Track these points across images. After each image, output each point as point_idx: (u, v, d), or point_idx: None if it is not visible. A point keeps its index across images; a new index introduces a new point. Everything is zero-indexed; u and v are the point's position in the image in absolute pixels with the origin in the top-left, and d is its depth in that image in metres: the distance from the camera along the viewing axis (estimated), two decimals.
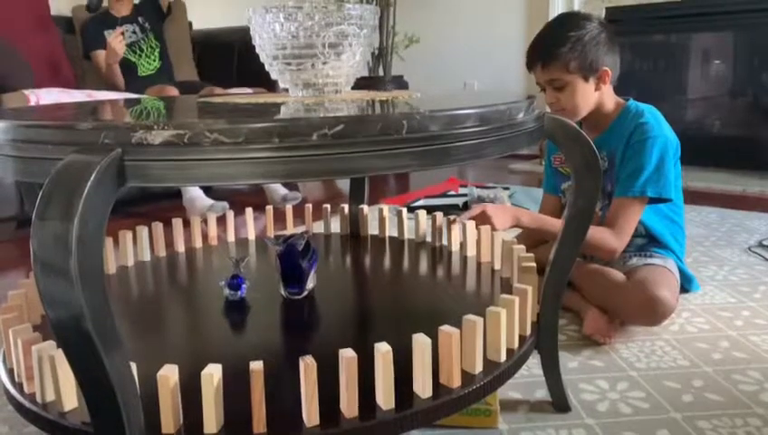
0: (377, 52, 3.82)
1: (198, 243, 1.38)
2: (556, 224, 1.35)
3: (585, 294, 1.33)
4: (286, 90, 1.05)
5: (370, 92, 1.17)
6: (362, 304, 1.11)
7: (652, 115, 1.40)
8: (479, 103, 0.76)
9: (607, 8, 3.34)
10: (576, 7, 3.43)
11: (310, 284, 1.06)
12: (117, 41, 2.64)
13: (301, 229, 1.47)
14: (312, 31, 0.98)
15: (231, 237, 1.43)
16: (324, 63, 1.00)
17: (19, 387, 0.80)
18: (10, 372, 0.84)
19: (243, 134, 0.61)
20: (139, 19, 2.94)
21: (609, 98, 1.42)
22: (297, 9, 0.98)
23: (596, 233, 1.32)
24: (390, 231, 1.45)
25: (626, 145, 1.38)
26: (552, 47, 1.34)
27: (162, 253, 1.32)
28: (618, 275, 1.30)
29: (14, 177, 0.68)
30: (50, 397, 0.75)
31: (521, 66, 1.53)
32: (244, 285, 1.06)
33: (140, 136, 0.61)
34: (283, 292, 1.05)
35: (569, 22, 1.38)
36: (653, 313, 1.21)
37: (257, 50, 1.02)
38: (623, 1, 3.33)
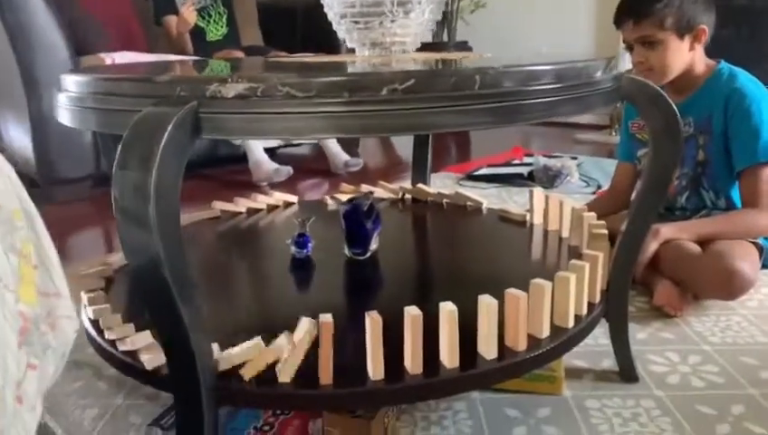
0: (441, 16, 3.74)
1: (264, 204, 1.41)
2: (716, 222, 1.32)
3: (658, 265, 1.28)
4: (352, 50, 1.04)
5: (437, 54, 1.14)
6: (426, 267, 1.10)
7: (747, 78, 1.33)
8: (555, 60, 0.73)
9: None
10: None
11: (373, 245, 1.06)
12: (189, 11, 2.71)
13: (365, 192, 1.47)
14: None
15: (295, 199, 1.45)
16: (393, 21, 0.99)
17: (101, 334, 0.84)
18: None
19: (314, 88, 0.61)
20: None
21: (700, 60, 1.35)
22: None
23: (742, 217, 1.29)
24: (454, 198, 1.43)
25: (724, 113, 1.32)
26: (646, 2, 1.27)
27: (230, 212, 1.35)
28: (693, 246, 1.25)
29: (95, 128, 0.71)
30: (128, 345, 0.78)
31: (592, 31, 1.47)
32: (309, 244, 1.07)
33: (215, 89, 0.62)
34: (347, 252, 1.06)
35: None
36: (730, 285, 1.15)
37: (325, 8, 1.01)
38: None
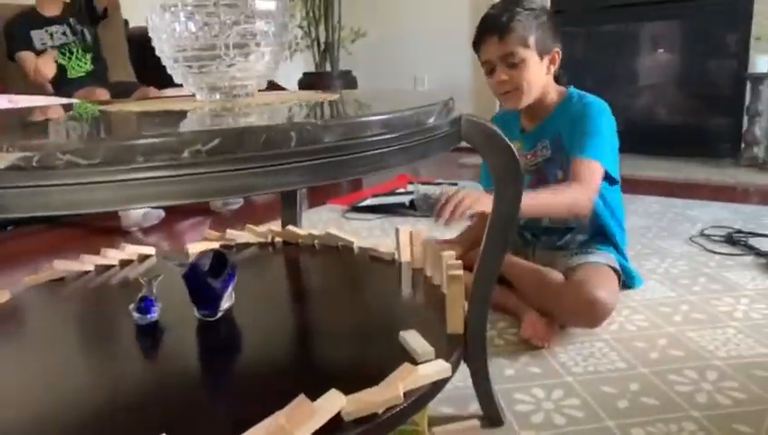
0: (323, 46, 3.73)
1: (116, 260, 1.29)
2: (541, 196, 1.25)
3: (523, 297, 1.29)
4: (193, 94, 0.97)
5: (284, 94, 1.10)
6: (284, 323, 1.03)
7: (594, 98, 1.38)
8: (384, 109, 0.70)
9: None
10: None
11: (225, 304, 0.99)
12: (45, 62, 2.54)
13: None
14: (213, 30, 0.90)
15: (152, 251, 1.35)
16: (230, 66, 0.93)
17: None
18: None
19: (100, 155, 0.54)
20: (70, 20, 2.79)
21: (552, 86, 1.39)
22: (199, 7, 0.90)
23: (565, 192, 1.25)
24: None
25: (571, 126, 1.35)
26: (509, 19, 1.29)
27: (84, 269, 1.23)
28: (556, 275, 1.27)
29: None
30: None
31: (471, 58, 1.47)
32: (154, 308, 0.98)
33: None
34: (196, 314, 0.98)
35: (518, 1, 1.34)
36: (591, 315, 1.18)
37: (157, 52, 0.95)
38: None
